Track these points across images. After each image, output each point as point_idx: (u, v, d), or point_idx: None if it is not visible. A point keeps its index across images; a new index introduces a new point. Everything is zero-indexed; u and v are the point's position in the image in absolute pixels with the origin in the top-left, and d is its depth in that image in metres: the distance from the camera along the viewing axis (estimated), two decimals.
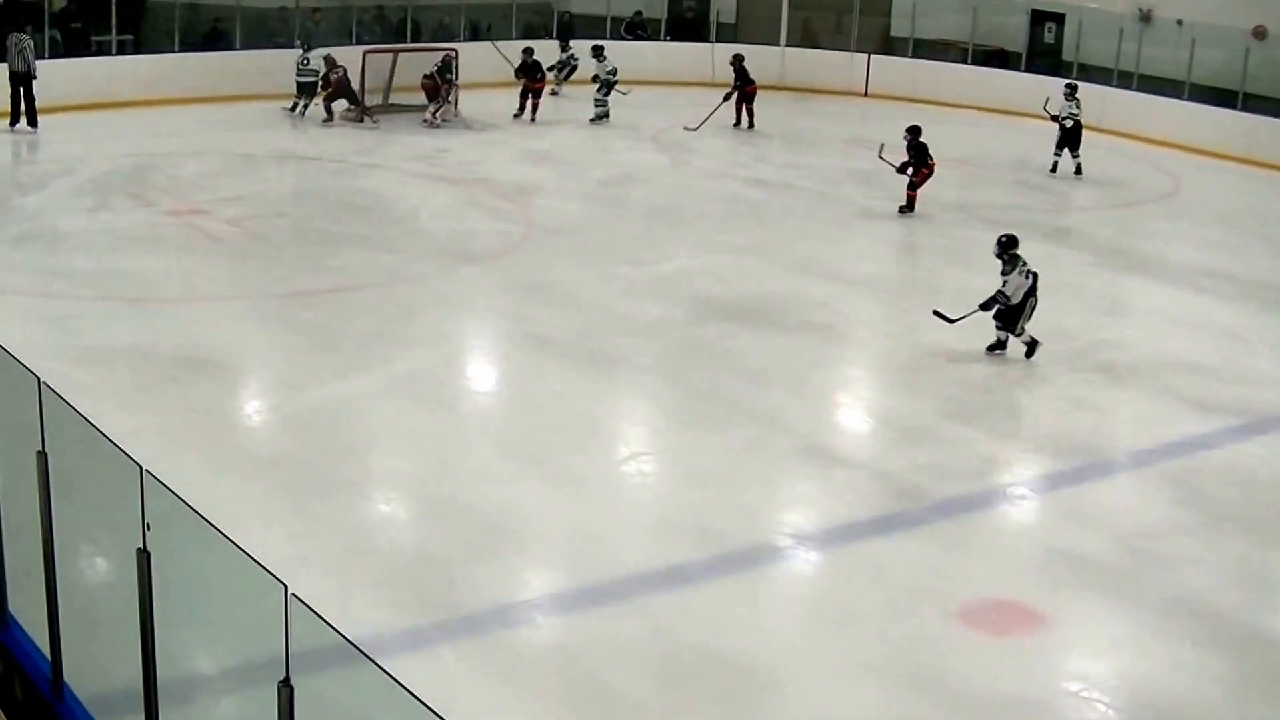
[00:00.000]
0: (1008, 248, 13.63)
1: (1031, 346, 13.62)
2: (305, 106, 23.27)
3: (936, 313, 13.93)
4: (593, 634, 8.72)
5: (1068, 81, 21.89)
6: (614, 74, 24.49)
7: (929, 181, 19.00)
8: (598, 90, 24.50)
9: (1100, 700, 8.34)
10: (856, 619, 9.07)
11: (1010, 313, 13.56)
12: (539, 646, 8.65)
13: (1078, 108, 21.83)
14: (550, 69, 25.54)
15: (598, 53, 24.49)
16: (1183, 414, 12.75)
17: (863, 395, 13.55)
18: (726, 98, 23.94)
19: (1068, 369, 13.66)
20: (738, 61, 24.41)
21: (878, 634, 8.87)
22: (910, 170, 18.94)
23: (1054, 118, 22.07)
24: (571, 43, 26.67)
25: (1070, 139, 21.97)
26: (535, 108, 24.30)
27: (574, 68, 26.27)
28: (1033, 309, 13.62)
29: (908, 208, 19.25)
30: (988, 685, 8.30)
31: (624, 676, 8.21)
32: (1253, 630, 9.18)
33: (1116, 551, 10.08)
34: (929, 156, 19.02)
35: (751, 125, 24.25)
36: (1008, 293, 13.48)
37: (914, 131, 19.02)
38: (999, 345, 13.72)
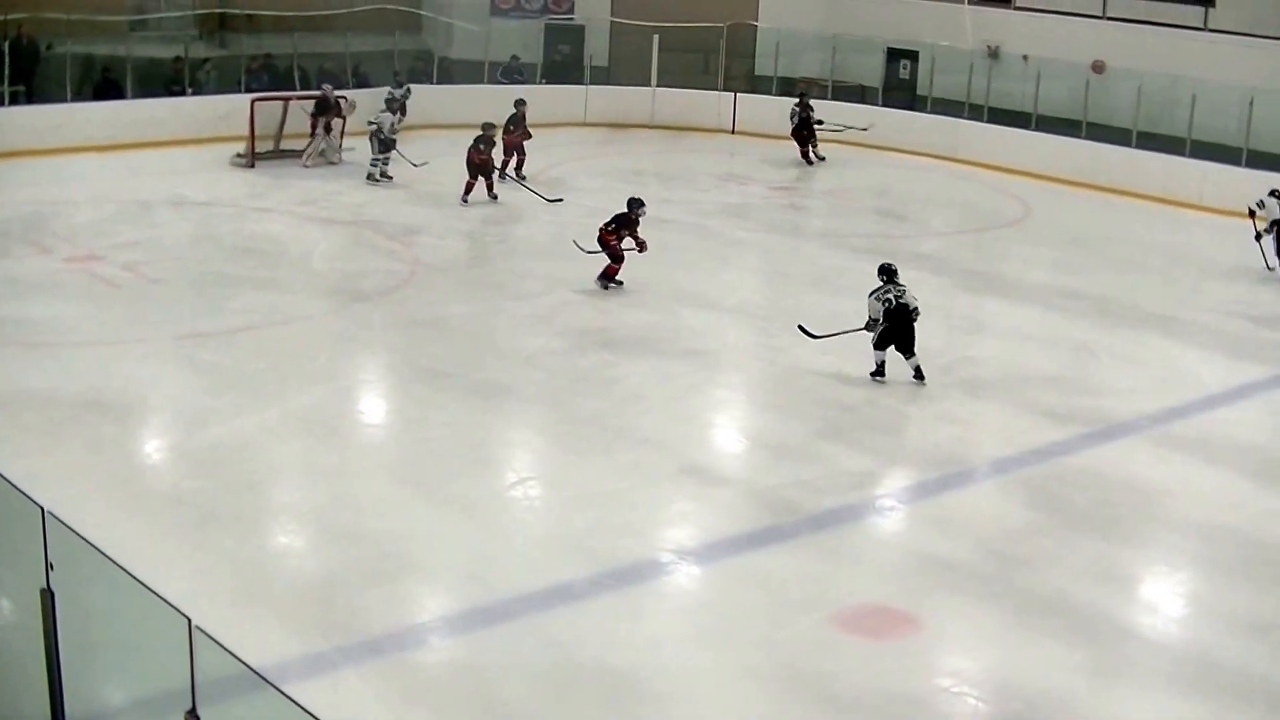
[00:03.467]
0: (881, 273, 14.30)
1: (916, 371, 14.12)
2: None
3: (801, 328, 14.58)
4: (488, 652, 9.00)
5: (1273, 189, 19.21)
6: (396, 133, 23.10)
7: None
8: (382, 149, 22.75)
9: (971, 694, 8.85)
10: (739, 628, 9.46)
11: (882, 334, 14.06)
12: (437, 666, 8.92)
13: None
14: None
15: (393, 106, 23.49)
16: (1039, 424, 13.34)
17: (737, 417, 13.98)
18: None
19: (931, 385, 14.17)
20: None
21: (759, 642, 9.25)
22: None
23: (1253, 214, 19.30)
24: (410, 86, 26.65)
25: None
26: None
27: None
28: (897, 335, 14.03)
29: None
30: (865, 686, 8.73)
31: (519, 691, 8.51)
32: (1108, 623, 9.75)
33: (980, 555, 10.60)
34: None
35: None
36: (869, 314, 14.07)
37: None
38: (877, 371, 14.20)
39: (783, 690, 8.70)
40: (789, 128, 26.41)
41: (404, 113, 25.95)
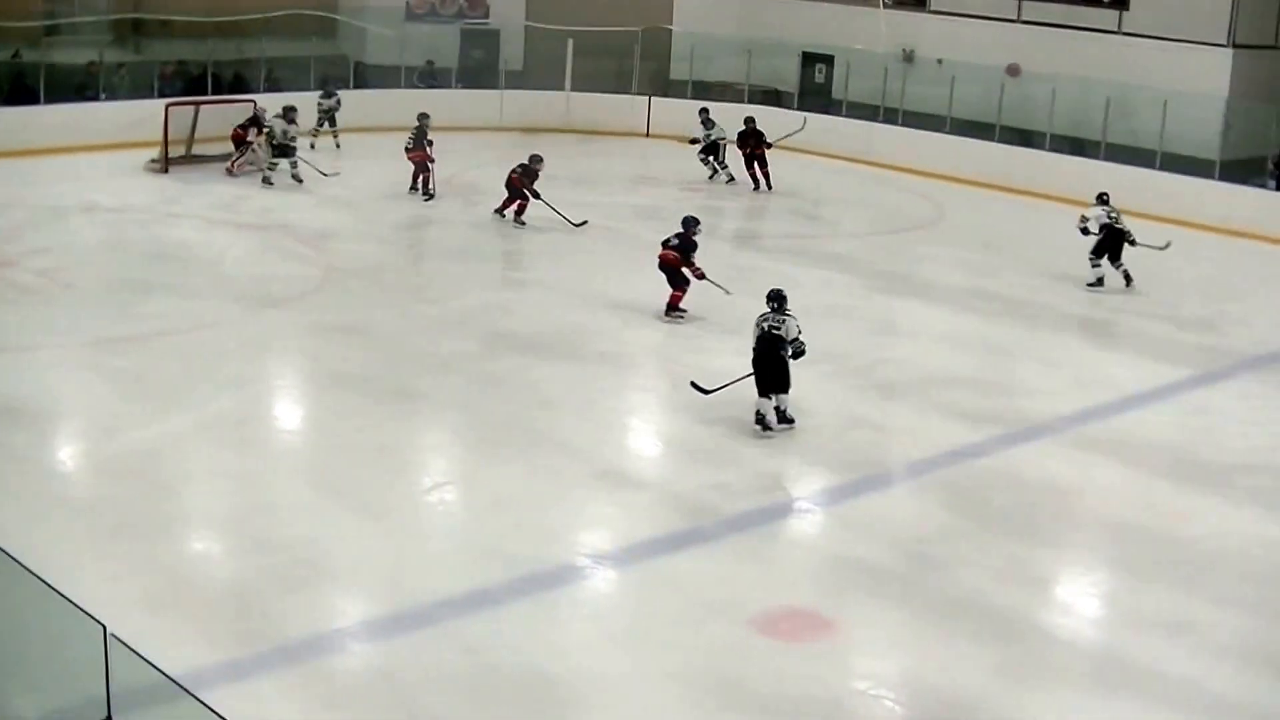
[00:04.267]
0: (769, 299, 13.02)
1: (779, 414, 12.89)
2: None
3: (694, 384, 13.24)
4: (405, 658, 8.92)
5: (1100, 192, 19.07)
6: (293, 139, 22.61)
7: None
8: (278, 154, 22.43)
9: (887, 697, 8.88)
10: (656, 632, 9.45)
11: (757, 376, 12.83)
12: (354, 673, 8.81)
13: (1115, 213, 18.68)
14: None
15: (289, 114, 22.62)
16: (954, 425, 13.42)
17: (653, 420, 13.95)
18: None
19: (846, 387, 14.25)
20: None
21: (676, 645, 9.23)
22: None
23: (1085, 230, 18.74)
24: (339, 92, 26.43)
25: (1110, 246, 18.65)
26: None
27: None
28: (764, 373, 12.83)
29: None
30: (782, 689, 8.73)
31: (437, 698, 8.44)
32: (1023, 623, 9.83)
33: (896, 557, 10.65)
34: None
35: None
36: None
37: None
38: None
39: (701, 693, 8.67)
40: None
41: (333, 122, 25.79)
